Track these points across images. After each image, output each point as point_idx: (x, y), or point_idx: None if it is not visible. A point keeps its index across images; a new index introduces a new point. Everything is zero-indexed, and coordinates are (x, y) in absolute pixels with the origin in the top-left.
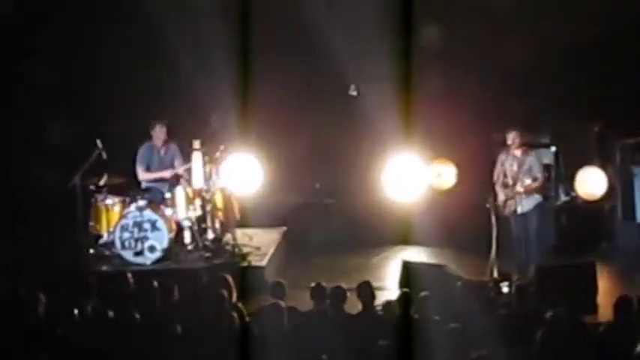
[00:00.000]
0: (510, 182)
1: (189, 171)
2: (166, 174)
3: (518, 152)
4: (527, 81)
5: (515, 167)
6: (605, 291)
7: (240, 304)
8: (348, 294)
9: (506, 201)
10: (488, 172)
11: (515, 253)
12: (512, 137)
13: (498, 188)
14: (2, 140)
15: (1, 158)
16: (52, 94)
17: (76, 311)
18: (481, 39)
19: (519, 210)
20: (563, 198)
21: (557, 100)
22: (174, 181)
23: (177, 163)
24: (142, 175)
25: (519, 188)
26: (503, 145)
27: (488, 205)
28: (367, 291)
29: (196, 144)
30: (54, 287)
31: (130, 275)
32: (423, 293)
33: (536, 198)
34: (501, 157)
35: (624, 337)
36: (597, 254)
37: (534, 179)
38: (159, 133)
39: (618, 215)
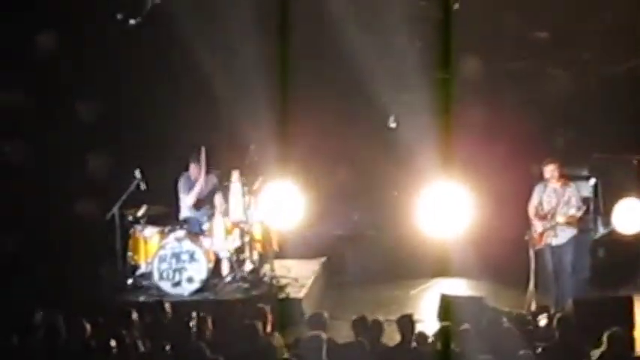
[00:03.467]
0: (548, 214)
1: (227, 202)
2: (199, 184)
3: (556, 184)
4: (566, 113)
5: (553, 199)
6: None
7: (277, 335)
8: (387, 326)
9: (542, 233)
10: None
11: (550, 286)
12: (550, 169)
13: (535, 220)
14: (43, 170)
15: (42, 189)
16: (93, 126)
17: (113, 342)
18: (520, 71)
19: (555, 242)
20: (602, 231)
21: (596, 132)
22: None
23: (216, 195)
24: (188, 198)
25: (560, 219)
26: (541, 178)
27: (526, 238)
28: (407, 323)
29: (235, 175)
30: (94, 317)
31: (167, 306)
32: (464, 326)
33: (572, 230)
34: (538, 188)
35: None
36: (635, 287)
37: (578, 209)
38: (193, 170)
39: None
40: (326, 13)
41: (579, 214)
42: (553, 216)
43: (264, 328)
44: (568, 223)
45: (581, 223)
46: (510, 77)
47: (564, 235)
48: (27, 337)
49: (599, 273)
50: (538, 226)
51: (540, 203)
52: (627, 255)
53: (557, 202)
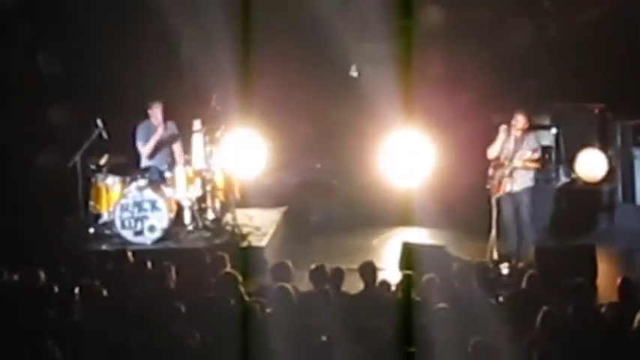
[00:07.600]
0: (505, 160)
1: (189, 151)
2: (156, 136)
3: (517, 133)
4: (528, 62)
5: (512, 146)
6: (604, 273)
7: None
8: (349, 274)
9: (500, 181)
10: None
11: (511, 234)
12: (519, 119)
13: (492, 169)
14: (4, 122)
15: (2, 139)
16: (55, 77)
17: (76, 291)
18: (481, 20)
19: (513, 188)
20: (563, 180)
21: (557, 81)
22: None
23: (176, 145)
24: (144, 149)
25: (517, 163)
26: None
27: (488, 187)
28: (369, 271)
29: (196, 124)
30: (54, 267)
31: (130, 254)
32: (427, 276)
33: (530, 177)
34: (501, 136)
35: (626, 318)
36: (596, 236)
37: (533, 151)
38: (155, 111)
39: (618, 197)
40: None
41: (535, 156)
42: (511, 161)
43: None
44: (525, 168)
45: (543, 173)
46: (470, 26)
47: (522, 181)
48: None
49: (561, 222)
50: (497, 174)
51: (501, 150)
52: (589, 204)
53: (514, 148)
